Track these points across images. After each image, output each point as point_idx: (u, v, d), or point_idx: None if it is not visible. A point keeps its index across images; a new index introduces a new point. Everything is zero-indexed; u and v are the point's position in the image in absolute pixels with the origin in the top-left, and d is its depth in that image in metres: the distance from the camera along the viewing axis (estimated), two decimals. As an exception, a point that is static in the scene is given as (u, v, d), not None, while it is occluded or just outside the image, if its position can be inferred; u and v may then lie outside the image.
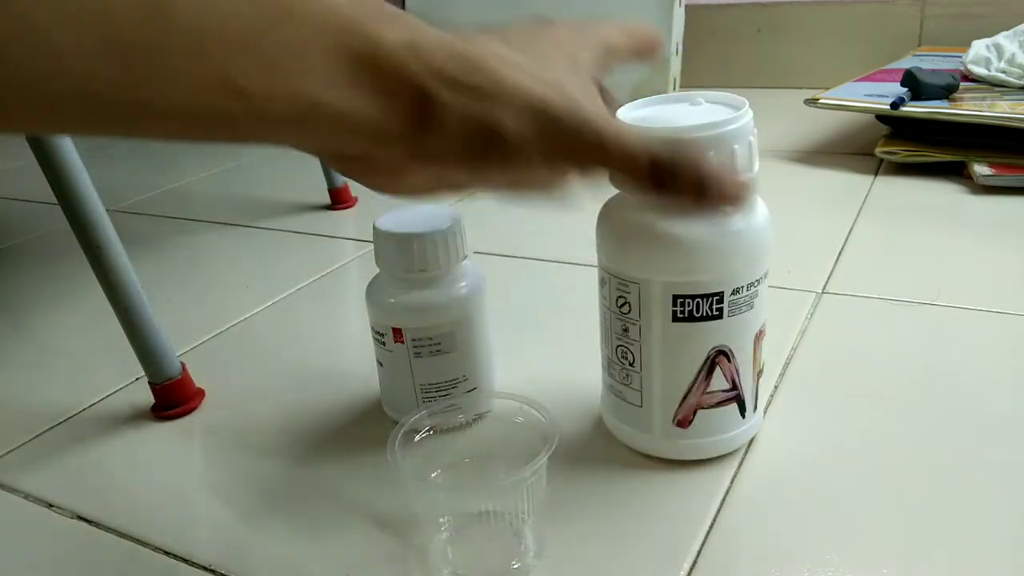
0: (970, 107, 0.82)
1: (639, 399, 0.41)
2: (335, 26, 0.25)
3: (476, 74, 0.28)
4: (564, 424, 0.41)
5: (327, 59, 0.25)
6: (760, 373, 0.41)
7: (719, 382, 0.39)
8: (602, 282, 0.40)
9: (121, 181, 1.10)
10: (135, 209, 0.98)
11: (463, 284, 0.44)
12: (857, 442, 0.43)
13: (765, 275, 0.39)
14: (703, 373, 0.39)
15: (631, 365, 0.40)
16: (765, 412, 0.45)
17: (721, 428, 0.41)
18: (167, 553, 0.39)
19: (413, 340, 0.43)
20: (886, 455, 0.42)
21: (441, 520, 0.37)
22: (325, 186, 0.90)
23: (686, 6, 1.24)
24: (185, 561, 0.38)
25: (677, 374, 0.39)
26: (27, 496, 0.45)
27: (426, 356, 0.44)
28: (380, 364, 0.46)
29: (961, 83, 0.88)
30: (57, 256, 0.83)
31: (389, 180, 0.30)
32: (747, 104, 0.37)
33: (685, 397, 0.39)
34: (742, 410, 0.41)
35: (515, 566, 0.36)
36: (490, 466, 0.38)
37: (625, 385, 0.41)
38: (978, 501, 0.38)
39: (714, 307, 0.37)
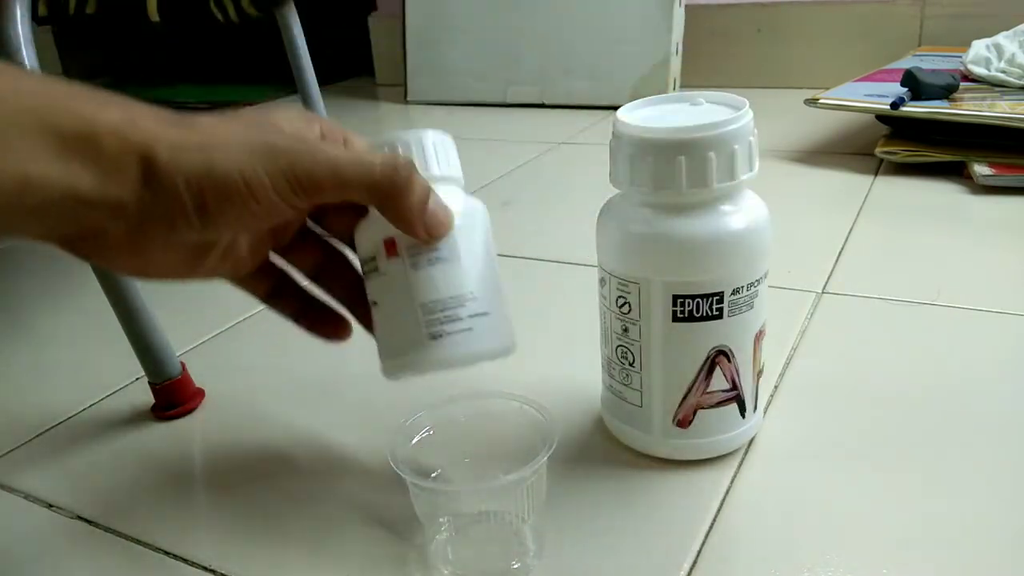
0: (970, 107, 0.82)
1: (639, 399, 0.41)
2: (34, 107, 0.27)
3: (193, 134, 0.30)
4: (564, 424, 0.42)
5: (32, 137, 0.26)
6: (760, 373, 0.41)
7: (719, 382, 0.39)
8: (602, 282, 0.41)
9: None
10: (135, 209, 0.97)
11: (459, 194, 0.38)
12: (857, 442, 0.43)
13: (765, 275, 0.39)
14: (703, 373, 0.39)
15: (631, 365, 0.40)
16: (765, 412, 0.45)
17: (721, 428, 0.41)
18: (167, 553, 0.39)
19: (409, 248, 0.36)
20: (886, 455, 0.42)
21: (441, 520, 0.37)
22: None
23: (686, 6, 1.24)
24: (185, 561, 0.38)
25: (677, 374, 0.39)
26: (27, 496, 0.45)
27: (425, 267, 0.36)
28: (375, 304, 0.38)
29: (961, 83, 0.88)
30: (57, 256, 0.82)
31: (130, 258, 0.32)
32: (747, 104, 0.37)
33: (685, 397, 0.39)
34: (742, 410, 0.41)
35: (515, 566, 0.36)
36: (490, 466, 0.38)
37: (625, 385, 0.41)
38: (978, 501, 0.38)
39: (714, 307, 0.37)
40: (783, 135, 1.02)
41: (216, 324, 0.63)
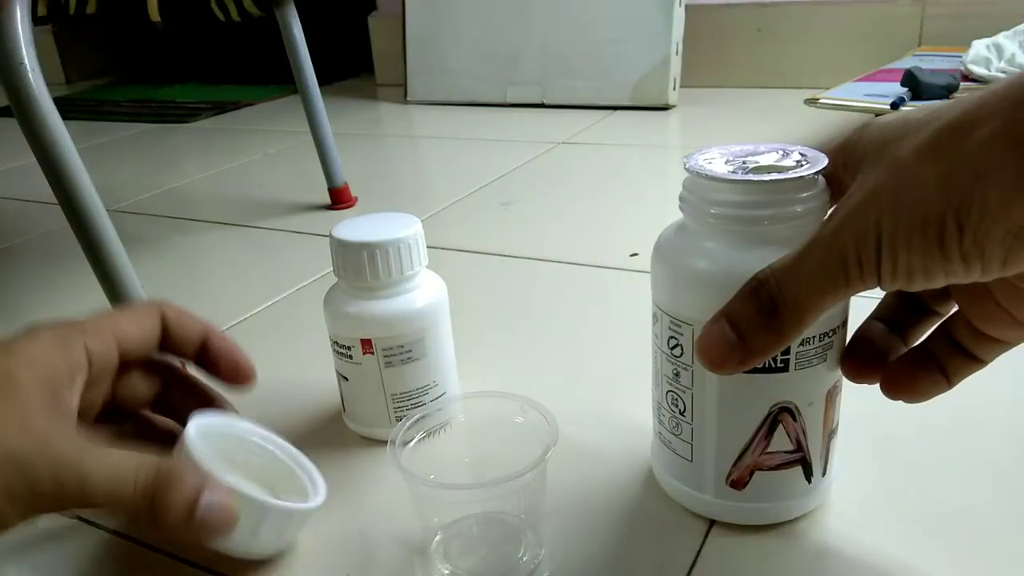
0: (970, 107, 0.82)
1: (689, 452, 0.36)
2: None
3: None
4: (564, 424, 0.41)
5: None
6: (833, 432, 0.36)
7: (781, 442, 0.34)
8: (654, 318, 0.36)
9: (121, 181, 1.10)
10: (135, 209, 0.98)
11: (427, 288, 0.44)
12: (856, 440, 0.43)
13: (843, 324, 0.34)
14: (763, 431, 0.34)
15: (681, 414, 0.36)
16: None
17: (782, 493, 0.36)
18: (167, 553, 0.39)
19: (384, 350, 0.42)
20: (887, 456, 0.42)
21: (441, 520, 0.37)
22: (325, 186, 0.90)
23: (686, 6, 1.24)
24: (185, 561, 0.38)
25: (732, 430, 0.34)
26: (27, 496, 0.44)
27: (397, 365, 0.43)
28: (344, 379, 0.45)
29: (961, 83, 0.88)
30: (57, 256, 0.83)
31: None
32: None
33: (741, 456, 0.35)
34: (808, 474, 0.35)
35: (515, 566, 0.36)
36: (490, 466, 0.38)
37: (675, 435, 0.37)
38: (979, 503, 0.38)
39: (778, 358, 0.32)
40: (783, 135, 1.02)
41: (216, 324, 0.63)
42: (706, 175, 0.32)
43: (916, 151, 0.25)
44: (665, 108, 1.23)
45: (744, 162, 0.32)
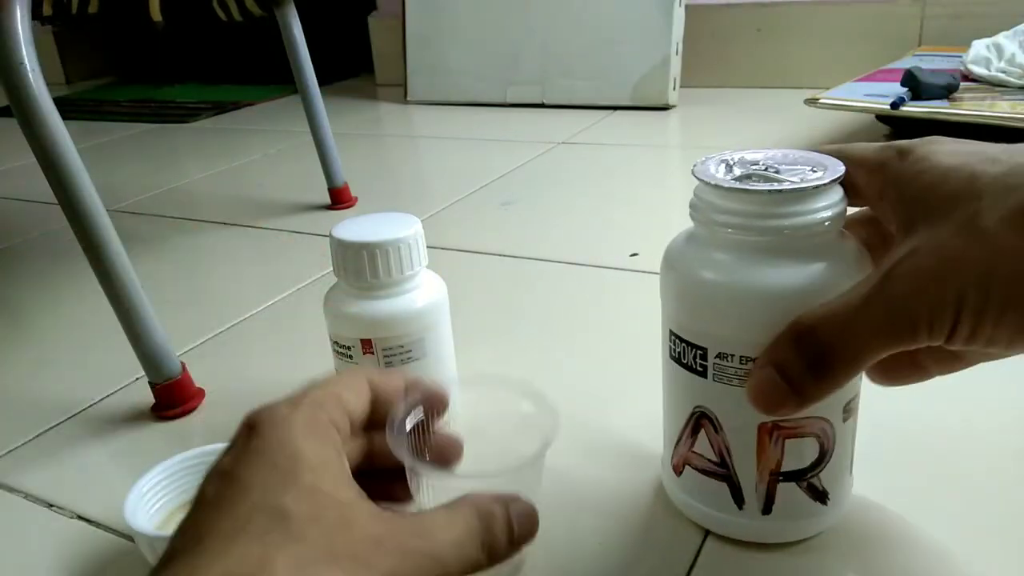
0: (970, 107, 0.82)
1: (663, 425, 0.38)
2: None
3: None
4: (565, 422, 0.41)
5: None
6: (784, 476, 0.34)
7: (704, 448, 0.35)
8: None
9: (121, 181, 1.10)
10: (135, 209, 0.98)
11: (427, 288, 0.44)
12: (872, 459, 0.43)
13: None
14: (689, 427, 0.35)
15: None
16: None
17: (708, 500, 0.36)
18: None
19: (384, 350, 0.42)
20: (881, 457, 0.42)
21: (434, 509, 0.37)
22: (325, 186, 0.90)
23: (686, 6, 1.24)
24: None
25: (671, 413, 0.36)
26: (27, 496, 0.45)
27: (397, 365, 0.43)
28: None
29: (961, 83, 0.88)
30: (57, 256, 0.83)
31: None
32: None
33: (677, 442, 0.36)
34: (736, 499, 0.35)
35: (512, 562, 0.36)
36: (488, 461, 0.38)
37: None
38: (975, 506, 0.38)
39: (696, 361, 0.33)
40: (783, 135, 1.02)
41: (216, 324, 0.63)
42: (715, 184, 0.31)
43: (1005, 222, 0.24)
44: (665, 108, 1.24)
45: (758, 168, 0.32)
